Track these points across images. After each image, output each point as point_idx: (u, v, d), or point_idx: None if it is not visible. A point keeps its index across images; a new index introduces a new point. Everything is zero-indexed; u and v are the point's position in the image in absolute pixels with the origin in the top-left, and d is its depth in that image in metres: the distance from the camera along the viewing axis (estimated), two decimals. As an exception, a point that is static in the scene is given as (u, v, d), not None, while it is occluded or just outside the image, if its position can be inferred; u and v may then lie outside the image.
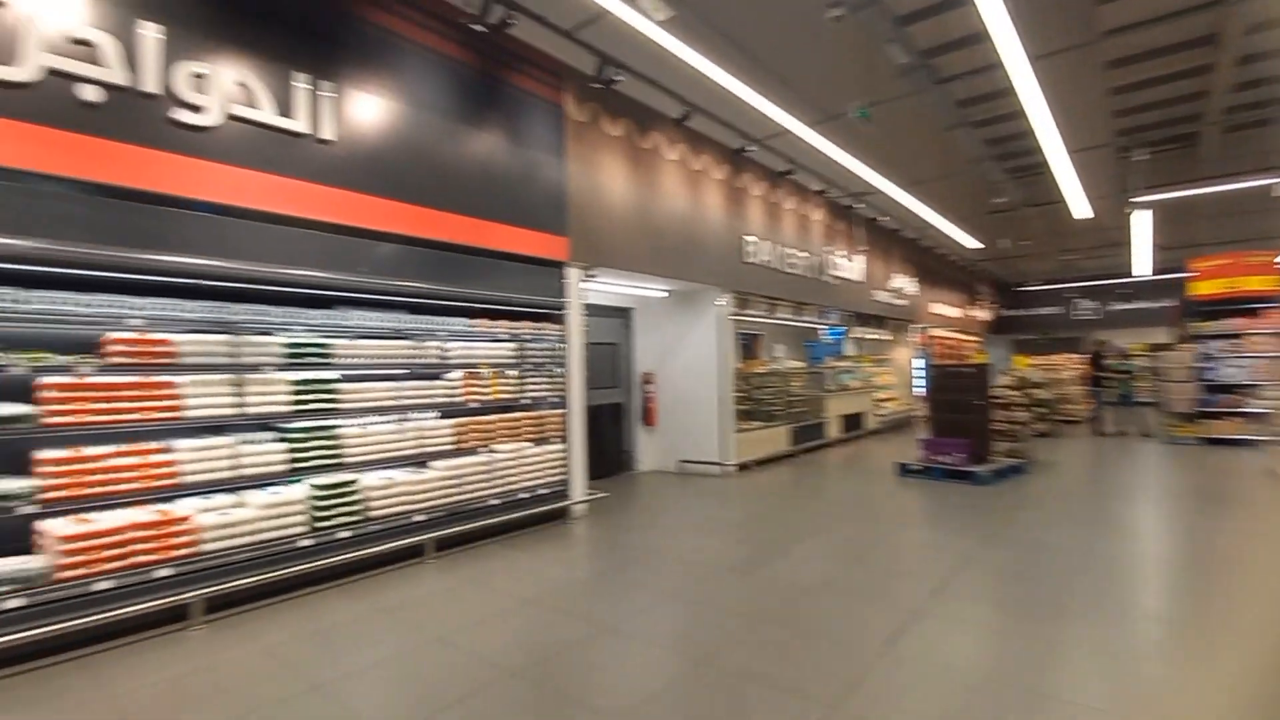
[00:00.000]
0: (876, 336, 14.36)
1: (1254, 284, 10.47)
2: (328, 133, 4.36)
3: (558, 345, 6.08)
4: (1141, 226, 12.63)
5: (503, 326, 5.62)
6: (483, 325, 5.47)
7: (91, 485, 3.49)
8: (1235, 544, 4.94)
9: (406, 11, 4.90)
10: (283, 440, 4.28)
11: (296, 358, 4.31)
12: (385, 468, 4.82)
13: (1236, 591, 3.97)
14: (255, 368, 4.13)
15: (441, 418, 5.23)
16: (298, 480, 4.33)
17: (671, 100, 6.91)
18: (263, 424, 4.26)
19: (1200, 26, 7.22)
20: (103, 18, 3.47)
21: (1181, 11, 6.69)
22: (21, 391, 3.31)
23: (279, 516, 4.08)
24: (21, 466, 3.32)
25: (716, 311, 8.43)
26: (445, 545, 4.94)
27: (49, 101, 3.29)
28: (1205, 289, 10.96)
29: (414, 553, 4.74)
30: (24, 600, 3.14)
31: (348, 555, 4.32)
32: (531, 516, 5.61)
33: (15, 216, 3.19)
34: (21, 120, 3.21)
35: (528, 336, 5.83)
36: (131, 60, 3.54)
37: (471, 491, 5.19)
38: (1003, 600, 3.84)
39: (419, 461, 5.04)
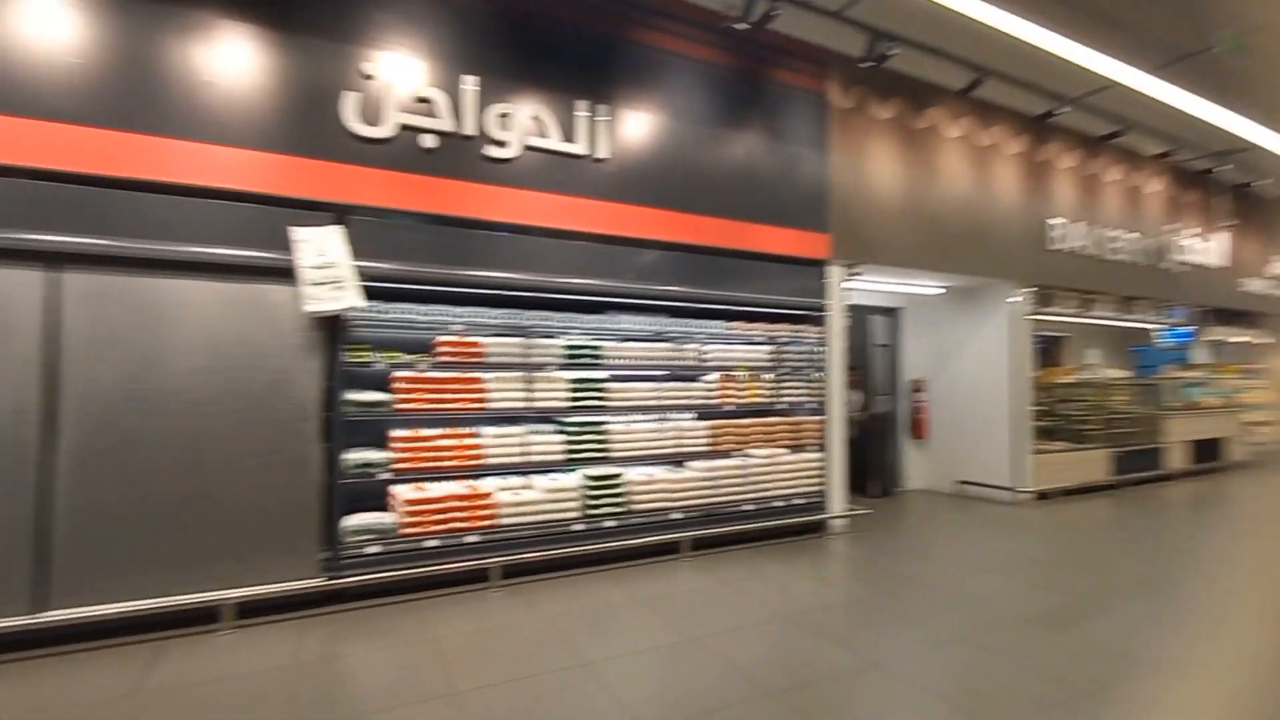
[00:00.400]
0: (1246, 339, 10.89)
1: None
2: (602, 151, 4.73)
3: (816, 348, 5.75)
4: None
5: (759, 329, 5.51)
6: (739, 328, 5.43)
7: (425, 460, 4.26)
8: None
9: (669, 25, 5.09)
10: (561, 432, 4.76)
11: (573, 358, 4.76)
12: (646, 464, 5.06)
13: None
14: (541, 367, 4.65)
15: (697, 419, 5.31)
16: (573, 469, 4.76)
17: (956, 69, 6.05)
18: (545, 417, 4.79)
19: None
20: (437, 77, 4.23)
21: None
22: (381, 382, 4.18)
23: (558, 501, 4.53)
24: (381, 441, 4.20)
25: (1009, 309, 7.18)
26: (699, 545, 4.99)
27: (401, 151, 4.12)
28: None
29: (670, 549, 4.88)
30: (379, 548, 3.96)
31: (612, 544, 4.62)
32: (786, 526, 5.39)
33: (379, 245, 4.04)
34: (384, 168, 4.06)
35: (785, 339, 5.62)
36: (456, 110, 4.26)
37: (726, 494, 5.17)
38: None
39: (676, 461, 5.19)
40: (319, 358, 3.87)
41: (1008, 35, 4.91)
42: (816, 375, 5.75)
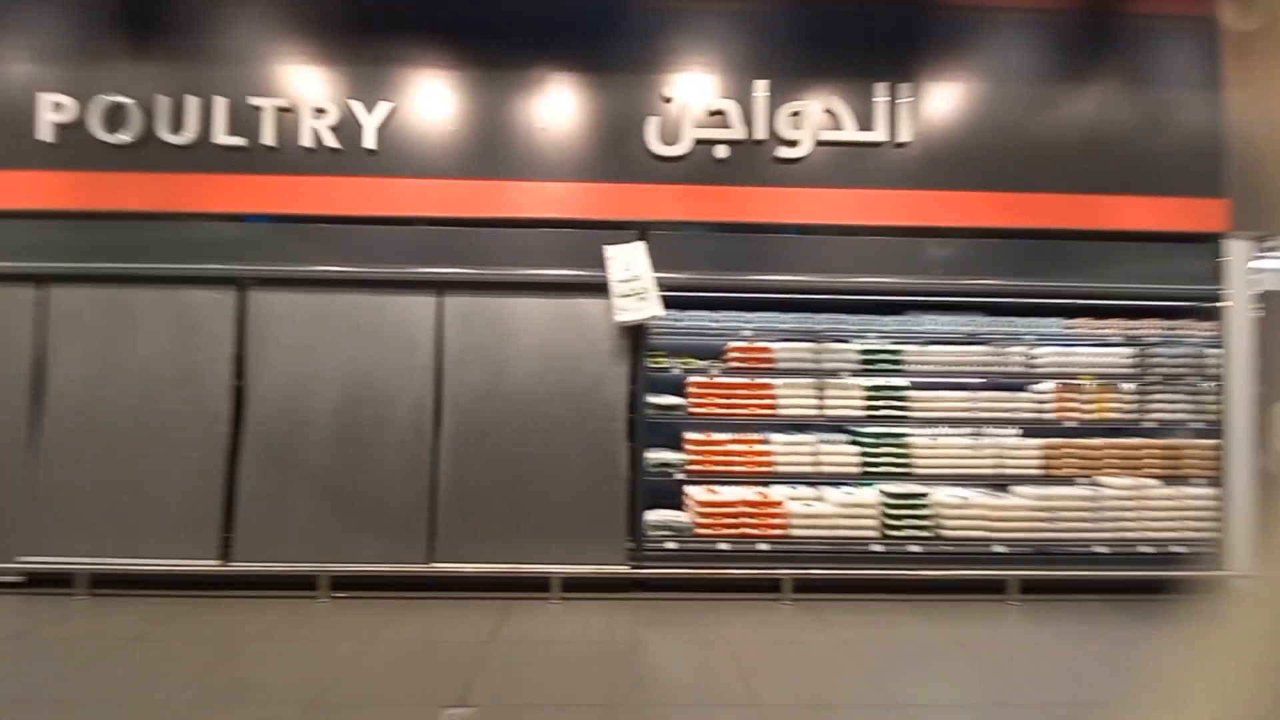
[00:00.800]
0: None
1: None
2: (904, 135, 4.29)
3: (1205, 350, 4.38)
4: None
5: (1114, 326, 4.41)
6: (1084, 326, 4.41)
7: (717, 464, 4.35)
8: None
9: (987, -21, 4.40)
10: (855, 443, 4.43)
11: (869, 364, 4.39)
12: (957, 484, 4.42)
13: None
14: (833, 373, 4.39)
15: (1025, 436, 4.46)
16: (869, 484, 4.39)
17: None
18: (838, 426, 4.51)
19: None
20: (729, 88, 4.31)
21: None
22: (676, 387, 4.39)
23: (853, 516, 4.21)
24: (676, 443, 4.41)
25: None
26: (1030, 589, 4.17)
27: (695, 165, 4.29)
28: None
29: (992, 587, 4.17)
30: (676, 545, 4.15)
31: (918, 572, 4.12)
32: (1156, 580, 4.19)
33: (676, 256, 4.25)
34: (680, 183, 4.27)
35: (1154, 339, 4.40)
36: (747, 117, 4.28)
37: (1067, 530, 4.23)
38: None
39: (997, 484, 4.43)
40: (625, 363, 4.23)
41: None
42: (1207, 385, 4.37)
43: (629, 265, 4.15)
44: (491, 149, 4.25)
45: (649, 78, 4.31)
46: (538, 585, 4.05)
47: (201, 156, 4.17)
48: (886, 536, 4.20)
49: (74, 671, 2.97)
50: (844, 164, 4.30)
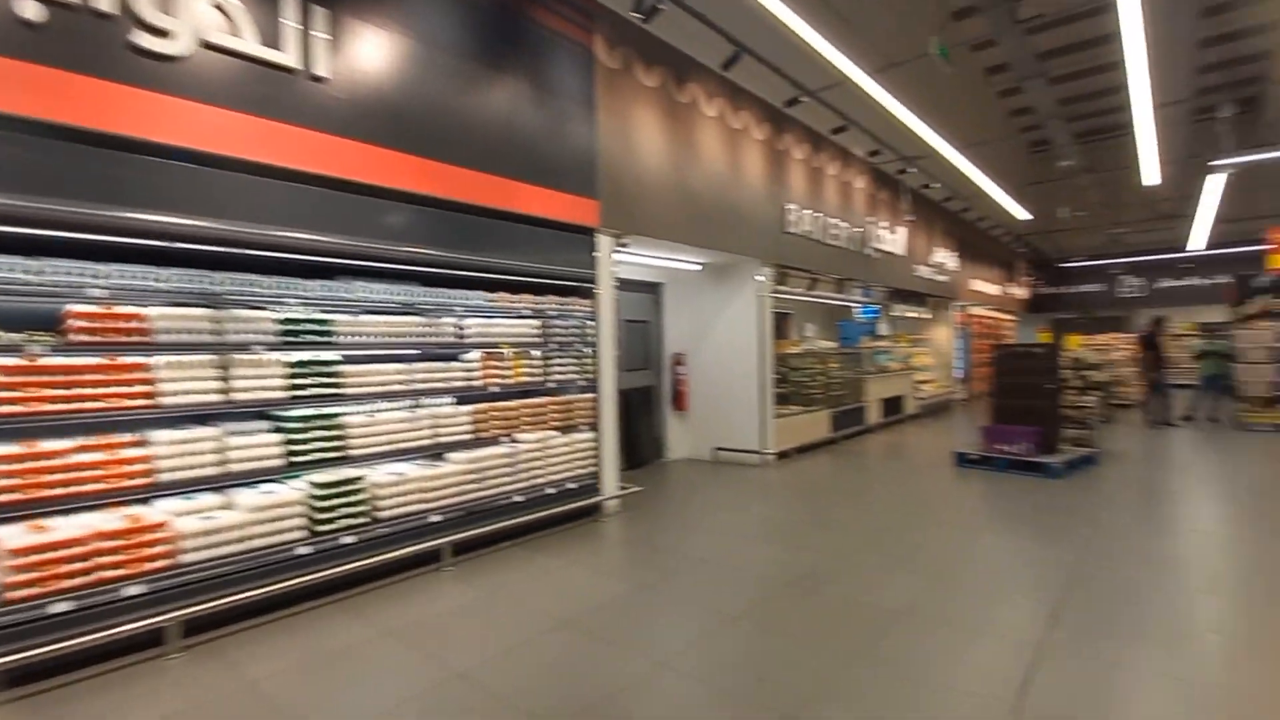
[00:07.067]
0: (916, 315, 13.54)
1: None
2: (321, 68, 3.68)
3: (586, 322, 5.42)
4: (1211, 194, 11.63)
5: (526, 301, 4.97)
6: (503, 300, 4.83)
7: (49, 486, 2.92)
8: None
9: (415, -70, 4.19)
10: (278, 430, 3.70)
11: (292, 336, 3.70)
12: (396, 461, 4.24)
13: None
14: (243, 347, 3.52)
15: (458, 404, 4.62)
16: (295, 476, 3.76)
17: (714, 44, 6.08)
18: (256, 412, 3.68)
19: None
20: (40, -86, 2.80)
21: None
22: (-47, 376, 2.72)
23: (272, 520, 3.50)
24: (-42, 466, 2.75)
25: (757, 286, 7.71)
26: (464, 549, 4.36)
27: (-25, 17, 2.65)
28: (1285, 262, 10.01)
29: (429, 558, 4.17)
30: (-42, 629, 2.58)
31: (353, 564, 3.74)
32: (559, 514, 5.02)
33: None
34: (-62, 39, 2.57)
35: (552, 312, 5.18)
36: (79, -31, 2.88)
37: (493, 487, 4.60)
38: (1145, 631, 3.17)
39: (434, 454, 4.45)
40: None
41: (765, 11, 4.99)
42: (586, 351, 5.43)
43: None
44: None
45: None
46: None
47: None
48: (316, 534, 3.66)
49: None
50: (247, 83, 3.41)
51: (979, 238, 15.98)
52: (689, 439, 8.34)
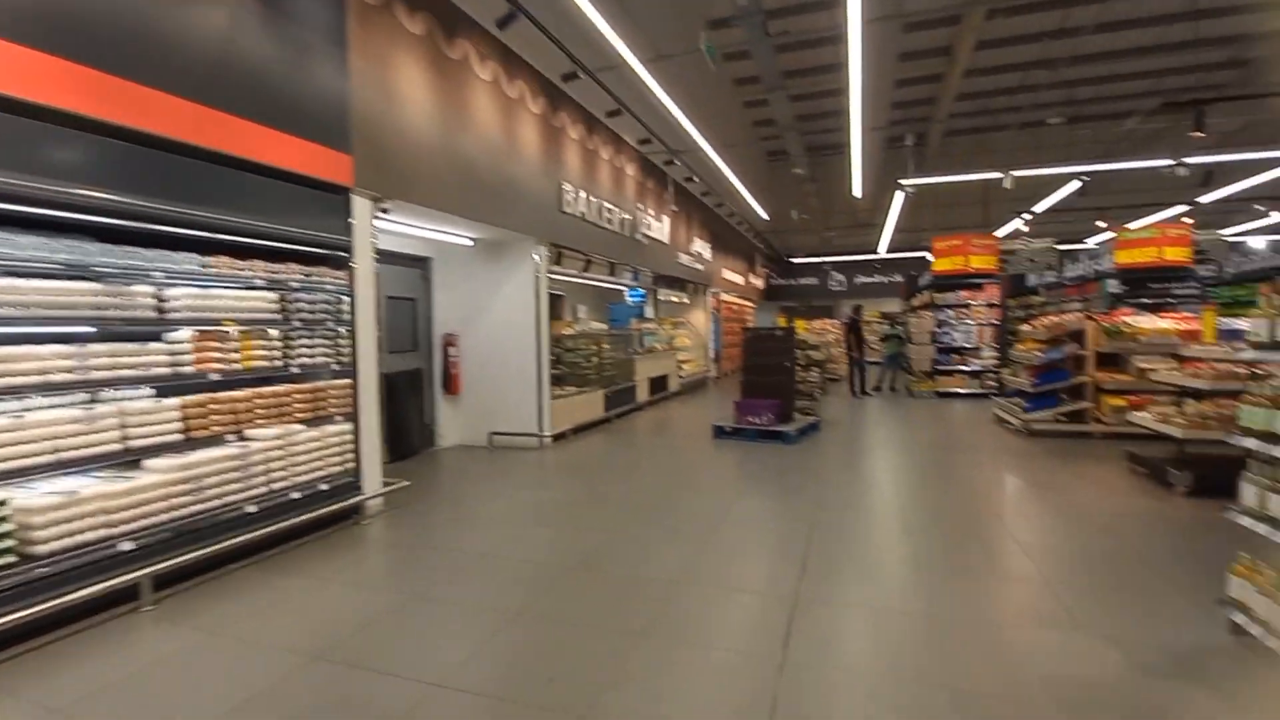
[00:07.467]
0: (677, 299, 14.58)
1: (977, 262, 12.51)
2: (-93, -88, 2.51)
3: (341, 297, 4.68)
4: (895, 208, 14.43)
5: (258, 269, 4.10)
6: (225, 265, 3.91)
7: None
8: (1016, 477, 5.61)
9: None
10: None
11: None
12: (64, 475, 3.18)
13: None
14: None
15: (160, 396, 3.64)
16: (-126, 511, 2.58)
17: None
18: None
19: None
20: None
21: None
22: None
23: None
24: None
25: (534, 265, 7.49)
26: (173, 580, 3.47)
27: None
28: (943, 265, 12.84)
29: (123, 597, 3.22)
30: None
31: (-11, 622, 2.71)
32: (307, 523, 4.28)
33: None
34: None
35: (295, 284, 4.36)
36: None
37: (214, 498, 3.73)
38: (885, 571, 3.71)
39: (128, 462, 3.44)
40: None
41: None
42: (341, 330, 4.69)
43: None
44: None
45: None
46: None
47: None
48: (-83, 589, 2.56)
49: None
50: None
51: (729, 232, 17.77)
52: (463, 424, 7.85)
